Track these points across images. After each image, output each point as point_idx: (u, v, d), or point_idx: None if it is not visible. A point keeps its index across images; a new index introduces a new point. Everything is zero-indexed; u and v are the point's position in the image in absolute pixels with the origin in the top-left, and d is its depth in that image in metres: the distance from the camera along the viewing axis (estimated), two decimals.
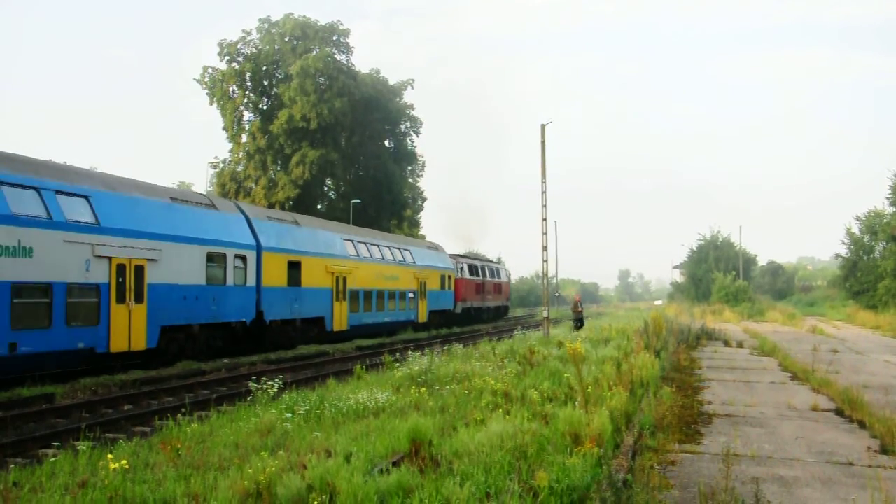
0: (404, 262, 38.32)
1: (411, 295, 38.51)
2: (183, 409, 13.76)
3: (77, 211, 18.38)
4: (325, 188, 61.58)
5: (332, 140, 57.73)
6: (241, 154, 58.59)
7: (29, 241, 16.62)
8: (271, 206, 52.68)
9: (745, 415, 12.74)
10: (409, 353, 19.22)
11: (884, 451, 9.95)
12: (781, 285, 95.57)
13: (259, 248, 25.51)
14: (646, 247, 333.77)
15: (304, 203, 54.92)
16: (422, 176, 68.75)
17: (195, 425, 11.08)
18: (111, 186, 20.35)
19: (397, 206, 63.38)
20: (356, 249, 33.05)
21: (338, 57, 57.65)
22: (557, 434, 9.09)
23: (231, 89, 57.80)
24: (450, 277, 45.33)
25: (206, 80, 57.95)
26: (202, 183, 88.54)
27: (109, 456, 8.16)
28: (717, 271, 70.78)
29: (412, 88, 64.88)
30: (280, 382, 14.50)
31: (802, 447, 10.18)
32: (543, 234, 29.06)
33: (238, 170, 58.51)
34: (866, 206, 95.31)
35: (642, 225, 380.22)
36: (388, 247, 37.52)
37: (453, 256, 48.75)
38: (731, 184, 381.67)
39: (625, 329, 28.64)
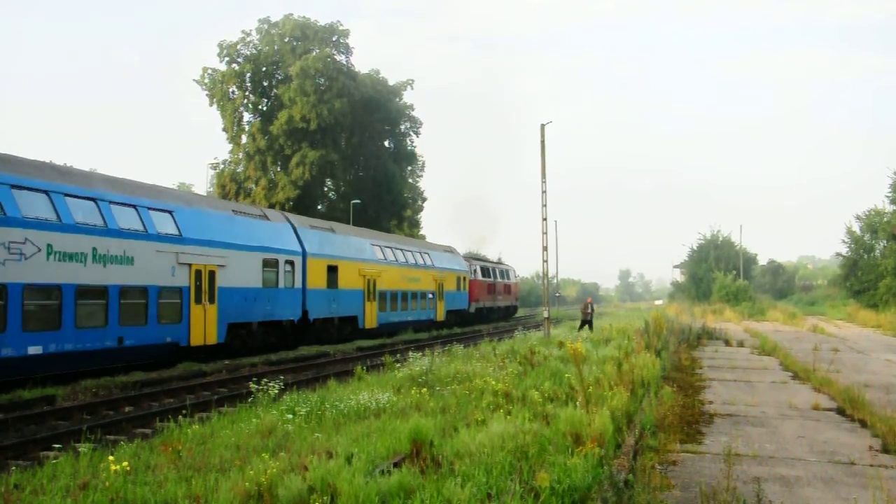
0: (424, 265, 40.86)
1: (431, 295, 41.14)
2: (184, 411, 13.75)
3: (164, 224, 21.31)
4: (325, 189, 61.59)
5: (331, 141, 57.73)
6: (240, 155, 58.58)
7: (131, 251, 19.58)
8: (271, 206, 52.67)
9: (747, 414, 12.74)
10: (410, 353, 19.21)
11: (885, 450, 9.94)
12: (782, 284, 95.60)
13: (304, 254, 28.40)
14: (646, 246, 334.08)
15: (304, 204, 54.92)
16: (421, 176, 68.82)
17: (196, 427, 11.08)
18: (188, 202, 23.64)
19: (397, 207, 63.39)
20: (383, 254, 35.78)
21: (337, 57, 57.66)
22: (558, 434, 9.08)
23: (231, 90, 57.80)
24: (464, 279, 47.85)
25: (206, 80, 57.96)
26: (202, 184, 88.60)
27: (110, 458, 8.16)
28: (717, 271, 70.76)
29: (412, 89, 64.95)
30: (281, 383, 14.50)
31: (804, 447, 10.18)
32: (543, 233, 29.06)
33: (238, 171, 58.52)
34: (867, 204, 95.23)
35: (643, 224, 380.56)
36: (410, 251, 40.05)
37: (467, 259, 51.15)
38: (731, 183, 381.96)
39: (625, 329, 28.63)
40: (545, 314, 29.97)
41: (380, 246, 35.81)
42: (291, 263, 27.34)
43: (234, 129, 58.48)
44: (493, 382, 13.53)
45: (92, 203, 18.96)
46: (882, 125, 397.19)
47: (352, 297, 31.84)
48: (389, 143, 64.91)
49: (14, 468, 9.39)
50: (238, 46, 57.98)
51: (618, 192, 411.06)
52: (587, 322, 34.00)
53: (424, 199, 68.72)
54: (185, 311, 21.43)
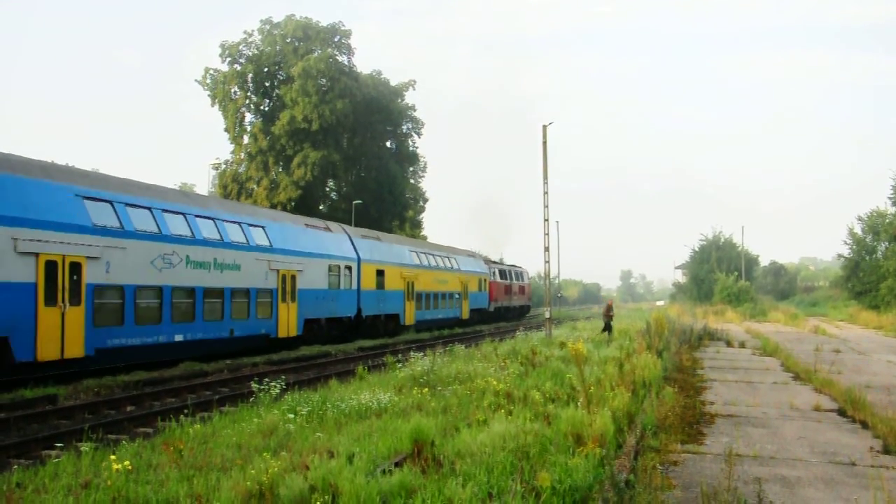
0: (452, 268, 45.14)
1: (457, 296, 45.31)
2: (185, 410, 13.76)
3: (260, 237, 25.77)
4: (327, 189, 61.64)
5: (333, 141, 57.76)
6: (242, 155, 58.64)
7: (238, 260, 23.97)
8: (273, 206, 52.75)
9: (748, 415, 12.74)
10: (412, 353, 19.23)
11: (886, 451, 9.94)
12: (784, 286, 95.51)
13: (359, 261, 32.77)
14: (648, 247, 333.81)
15: (305, 204, 54.95)
16: (423, 177, 68.84)
17: (198, 426, 11.09)
18: (275, 218, 28.56)
19: (399, 207, 63.42)
20: (419, 259, 39.99)
21: (339, 58, 57.69)
22: (560, 434, 9.09)
23: (233, 90, 57.85)
24: (485, 281, 52.04)
25: (208, 81, 58.02)
26: (204, 184, 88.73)
27: (112, 457, 8.17)
28: (719, 272, 70.74)
29: (413, 89, 64.99)
30: (282, 383, 14.52)
31: (805, 447, 10.18)
32: (545, 234, 29.06)
33: (240, 171, 58.56)
34: (869, 206, 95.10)
35: (644, 225, 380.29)
36: (440, 256, 44.53)
37: (487, 262, 55.29)
38: (733, 184, 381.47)
39: (627, 329, 28.66)
40: (547, 314, 29.94)
41: (416, 252, 40.14)
42: (349, 268, 31.90)
43: (235, 129, 58.52)
44: (495, 382, 13.54)
45: (211, 221, 23.39)
46: (885, 126, 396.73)
47: (395, 298, 36.22)
48: (391, 144, 64.95)
49: (16, 467, 9.40)
50: (240, 47, 58.05)
51: (619, 193, 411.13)
52: (609, 324, 32.90)
53: (426, 200, 68.75)
54: (275, 308, 25.87)
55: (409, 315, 37.79)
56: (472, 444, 8.62)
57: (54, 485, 7.94)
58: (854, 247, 57.80)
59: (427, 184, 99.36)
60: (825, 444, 10.36)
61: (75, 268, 17.87)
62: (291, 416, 11.37)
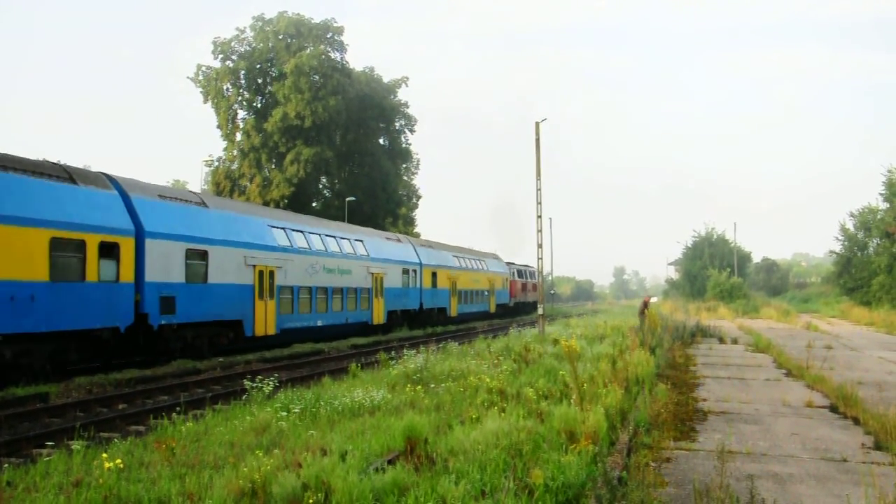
0: (482, 269, 52.29)
1: (486, 293, 52.49)
2: (178, 408, 13.74)
3: (362, 249, 34.08)
4: (320, 186, 61.52)
5: (326, 138, 57.65)
6: (235, 152, 58.48)
7: (350, 267, 32.25)
8: (266, 203, 52.69)
9: (740, 412, 12.77)
10: (405, 351, 19.22)
11: (878, 447, 9.98)
12: (776, 282, 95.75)
13: (421, 265, 40.63)
14: (641, 244, 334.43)
15: (299, 201, 54.86)
16: (416, 173, 68.79)
17: (190, 424, 11.07)
18: (368, 234, 36.73)
19: (392, 204, 63.37)
20: (460, 262, 47.70)
21: (332, 55, 57.55)
22: (553, 431, 9.09)
23: (225, 87, 57.67)
24: (507, 279, 59.22)
25: (200, 78, 57.82)
26: (197, 181, 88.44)
27: (104, 455, 8.15)
28: (711, 268, 70.88)
29: (406, 86, 64.89)
30: (275, 381, 14.50)
31: (797, 444, 10.21)
32: (539, 231, 29.08)
33: (233, 168, 58.41)
34: (860, 202, 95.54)
35: (638, 222, 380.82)
36: (473, 259, 52.45)
37: (508, 263, 62.23)
38: (726, 181, 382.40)
39: (620, 326, 28.70)
40: (540, 311, 29.95)
41: (457, 256, 47.79)
42: (415, 271, 39.82)
43: (228, 126, 58.37)
44: (488, 380, 13.54)
45: (333, 238, 31.82)
46: (877, 122, 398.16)
47: (445, 294, 43.89)
48: (384, 141, 64.85)
49: (7, 466, 9.36)
50: (232, 43, 57.85)
51: (612, 189, 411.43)
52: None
53: (419, 197, 68.71)
54: (370, 302, 33.99)
55: (454, 308, 45.35)
56: (465, 441, 8.62)
57: (45, 483, 7.90)
58: (846, 243, 58.00)
59: (421, 181, 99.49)
60: (817, 441, 10.40)
61: (272, 274, 25.99)
62: (284, 413, 11.35)
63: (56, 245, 17.20)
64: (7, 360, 16.23)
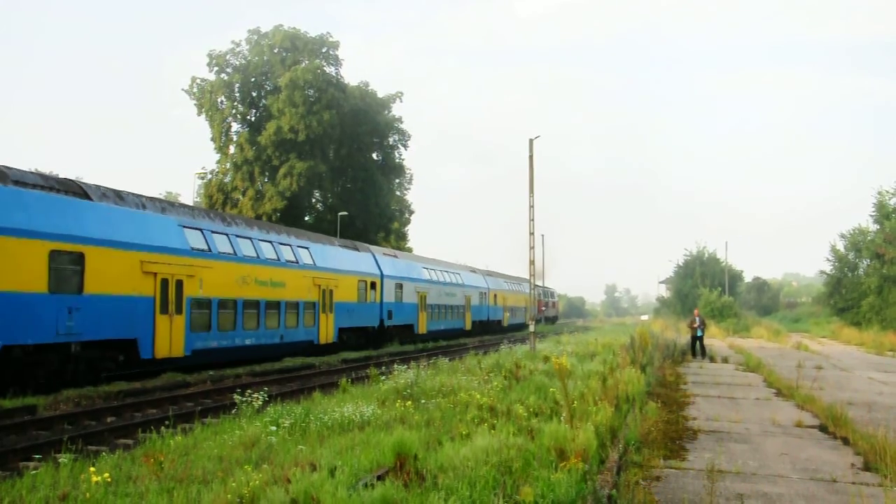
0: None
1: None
2: (167, 422, 13.66)
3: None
4: (313, 200, 61.57)
5: (320, 152, 57.75)
6: (228, 165, 58.51)
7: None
8: (258, 217, 52.70)
9: (730, 431, 12.78)
10: (395, 366, 19.18)
11: (867, 468, 10.00)
12: (767, 301, 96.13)
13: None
14: (632, 261, 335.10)
15: (291, 215, 54.85)
16: (409, 189, 68.94)
17: (179, 438, 11.00)
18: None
19: (384, 219, 63.45)
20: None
21: (327, 69, 57.77)
22: (543, 449, 9.08)
23: (219, 100, 57.81)
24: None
25: (195, 90, 57.93)
26: (189, 193, 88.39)
27: (92, 469, 8.09)
28: (702, 287, 71.08)
29: (400, 101, 65.16)
30: (265, 395, 14.43)
31: (786, 464, 10.22)
32: (531, 248, 29.13)
33: (225, 181, 58.42)
34: (851, 223, 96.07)
35: (629, 240, 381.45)
36: (514, 281, 68.45)
37: (536, 286, 69.23)
38: (718, 200, 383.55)
39: (611, 344, 28.69)
40: (531, 328, 29.92)
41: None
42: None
43: (222, 138, 58.47)
44: (478, 396, 13.52)
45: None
46: (869, 144, 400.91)
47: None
48: (377, 156, 65.03)
49: None
50: (227, 56, 58.05)
51: (604, 207, 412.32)
52: (698, 339, 28.47)
53: (412, 212, 68.83)
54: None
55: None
56: (454, 457, 8.59)
57: (31, 497, 7.83)
58: (836, 264, 58.32)
59: (413, 196, 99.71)
60: (807, 461, 10.41)
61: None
62: (274, 428, 11.30)
63: None
64: None
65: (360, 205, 59.85)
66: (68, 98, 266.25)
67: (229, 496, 6.89)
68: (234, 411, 13.99)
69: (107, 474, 7.87)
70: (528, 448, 9.22)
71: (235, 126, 59.47)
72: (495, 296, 58.84)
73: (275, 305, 26.59)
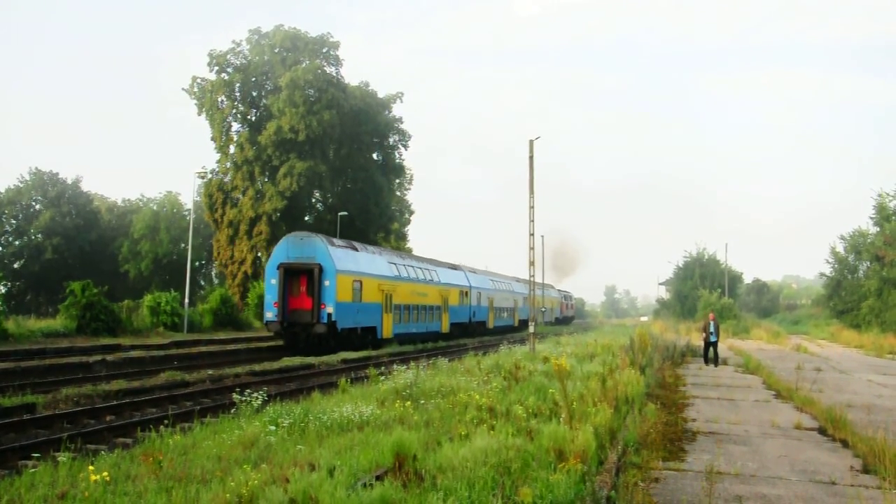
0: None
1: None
2: (166, 421, 13.65)
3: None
4: (313, 200, 61.60)
5: (320, 152, 57.76)
6: (228, 165, 58.52)
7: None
8: (258, 217, 52.75)
9: (729, 432, 12.78)
10: (395, 366, 19.17)
11: (866, 470, 10.00)
12: (766, 303, 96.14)
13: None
14: (632, 263, 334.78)
15: (291, 215, 54.88)
16: (409, 189, 68.99)
17: (178, 437, 11.00)
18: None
19: (384, 220, 63.49)
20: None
21: (327, 69, 57.82)
22: (542, 450, 9.08)
23: (220, 100, 57.81)
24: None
25: (195, 90, 57.93)
26: (189, 193, 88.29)
27: (90, 467, 8.09)
28: (702, 288, 71.08)
29: (401, 101, 65.19)
30: (264, 395, 14.42)
31: (785, 466, 10.22)
32: (531, 248, 29.13)
33: (226, 180, 58.43)
34: (851, 225, 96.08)
35: (629, 241, 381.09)
36: (547, 287, 75.60)
37: (559, 291, 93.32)
38: (718, 200, 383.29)
39: (610, 345, 28.69)
40: (531, 329, 29.90)
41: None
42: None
43: (222, 138, 58.46)
44: (478, 397, 13.52)
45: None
46: (870, 146, 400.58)
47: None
48: (377, 156, 65.09)
49: None
50: (228, 56, 58.05)
51: (604, 207, 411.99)
52: (712, 346, 26.68)
53: (412, 213, 68.90)
54: (512, 315, 62.71)
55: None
56: (453, 458, 8.59)
57: (30, 496, 7.83)
58: (836, 266, 58.37)
59: (413, 196, 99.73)
60: (806, 463, 10.41)
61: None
62: (273, 428, 11.29)
63: None
64: None
65: (360, 205, 59.87)
66: (68, 98, 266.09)
67: (228, 496, 6.89)
68: (233, 411, 13.98)
69: (106, 473, 7.86)
70: (527, 449, 9.22)
71: (236, 126, 59.55)
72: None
73: (424, 307, 40.81)
